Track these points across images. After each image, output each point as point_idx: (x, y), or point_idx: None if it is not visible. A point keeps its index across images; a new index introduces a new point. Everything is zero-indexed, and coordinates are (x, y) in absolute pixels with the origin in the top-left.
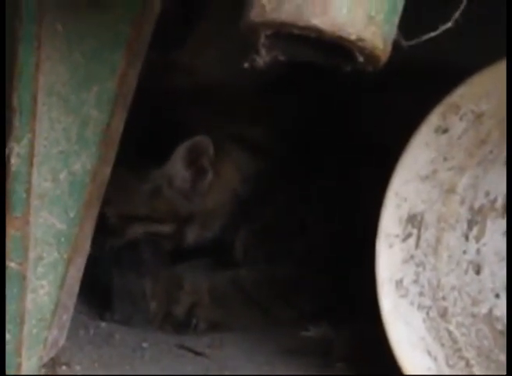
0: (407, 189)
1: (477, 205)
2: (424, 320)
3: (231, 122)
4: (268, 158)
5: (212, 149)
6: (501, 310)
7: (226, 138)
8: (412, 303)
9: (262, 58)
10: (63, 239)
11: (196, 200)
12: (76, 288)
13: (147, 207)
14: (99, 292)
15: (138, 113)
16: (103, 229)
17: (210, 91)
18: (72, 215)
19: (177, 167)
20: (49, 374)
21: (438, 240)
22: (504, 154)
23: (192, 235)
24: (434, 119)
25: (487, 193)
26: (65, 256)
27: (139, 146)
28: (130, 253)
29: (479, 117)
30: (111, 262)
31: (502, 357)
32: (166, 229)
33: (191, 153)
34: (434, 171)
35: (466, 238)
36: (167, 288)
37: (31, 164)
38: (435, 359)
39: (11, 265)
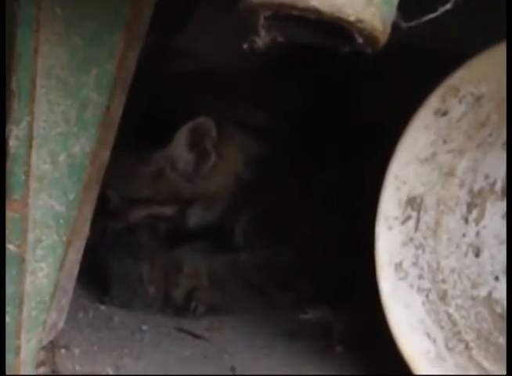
0: (406, 172)
1: (476, 188)
2: (424, 303)
3: (232, 106)
4: (271, 142)
5: (215, 131)
6: (500, 293)
7: (228, 121)
8: (411, 286)
9: (261, 39)
10: (62, 221)
11: (199, 182)
12: (75, 271)
13: (150, 189)
14: (98, 276)
15: (139, 97)
16: (104, 213)
17: (211, 75)
18: (71, 197)
19: (179, 149)
20: (48, 356)
21: (438, 223)
22: (503, 137)
23: (194, 217)
24: (433, 102)
25: (486, 176)
26: (64, 239)
27: (141, 129)
28: (127, 237)
29: (478, 99)
30: (109, 246)
31: (502, 340)
32: (168, 211)
33: (193, 135)
34: (434, 154)
35: (466, 221)
36: (165, 272)
37: (30, 147)
38: (434, 341)
39: (10, 247)
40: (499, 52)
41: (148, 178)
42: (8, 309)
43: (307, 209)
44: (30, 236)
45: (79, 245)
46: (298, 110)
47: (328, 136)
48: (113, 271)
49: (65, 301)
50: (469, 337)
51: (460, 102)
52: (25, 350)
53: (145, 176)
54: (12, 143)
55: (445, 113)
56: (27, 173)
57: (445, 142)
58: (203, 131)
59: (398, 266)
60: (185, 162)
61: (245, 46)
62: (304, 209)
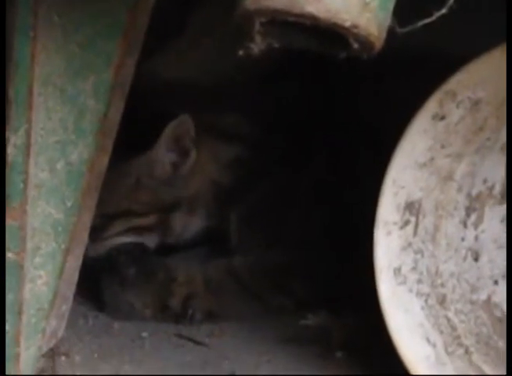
0: (405, 177)
1: (474, 192)
2: (423, 307)
3: (203, 112)
4: (250, 144)
5: (193, 129)
6: (499, 297)
7: (198, 128)
8: (410, 290)
9: (257, 46)
10: (60, 229)
11: (179, 184)
12: (75, 278)
13: (129, 200)
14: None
15: None
16: None
17: (184, 83)
18: (69, 204)
19: (160, 152)
20: (49, 363)
21: (436, 228)
22: (501, 141)
23: (179, 223)
24: (431, 106)
25: (485, 180)
26: (63, 246)
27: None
28: (111, 268)
29: (476, 104)
30: (96, 272)
31: (501, 344)
32: (148, 221)
33: (174, 135)
34: (432, 159)
35: (465, 225)
36: (158, 294)
37: (28, 155)
38: (434, 346)
39: (9, 255)
40: (496, 56)
41: (126, 189)
42: (7, 316)
43: (299, 210)
44: (29, 244)
45: (78, 252)
46: (294, 114)
47: (321, 136)
48: (104, 296)
49: (65, 308)
50: (468, 341)
51: (458, 106)
52: (24, 358)
53: (123, 188)
54: (10, 151)
55: (442, 118)
56: (25, 181)
57: (443, 146)
58: (183, 129)
59: (397, 271)
60: (163, 166)
61: (241, 53)
62: (296, 210)
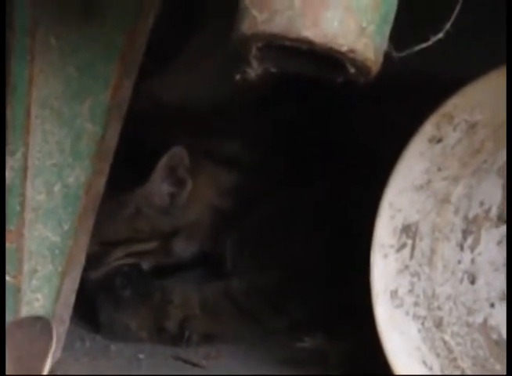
0: (401, 200)
1: (471, 215)
2: (419, 330)
3: (203, 138)
4: (249, 169)
5: (187, 159)
6: (496, 320)
7: (198, 154)
8: (407, 313)
9: (254, 70)
10: (57, 251)
11: (177, 213)
12: (71, 301)
13: (129, 230)
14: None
15: None
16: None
17: (181, 108)
18: (66, 227)
19: (157, 183)
20: None
21: (433, 250)
22: (498, 163)
23: (179, 247)
24: (428, 129)
25: (481, 203)
26: (59, 269)
27: (113, 172)
28: (106, 289)
29: (473, 126)
30: (91, 296)
31: (498, 367)
32: (149, 246)
33: (169, 167)
34: (429, 181)
35: (461, 248)
36: (154, 317)
37: (25, 177)
38: (431, 368)
39: (5, 277)
40: (493, 79)
41: (126, 219)
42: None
43: (296, 233)
44: (26, 267)
45: (75, 275)
46: (291, 137)
47: (319, 163)
48: (99, 317)
49: (62, 330)
50: (465, 364)
51: (455, 129)
52: None
53: (122, 218)
54: (8, 174)
55: (439, 141)
56: (22, 204)
57: (439, 169)
58: (177, 160)
59: (394, 294)
60: (161, 196)
61: (237, 77)
62: (293, 234)
